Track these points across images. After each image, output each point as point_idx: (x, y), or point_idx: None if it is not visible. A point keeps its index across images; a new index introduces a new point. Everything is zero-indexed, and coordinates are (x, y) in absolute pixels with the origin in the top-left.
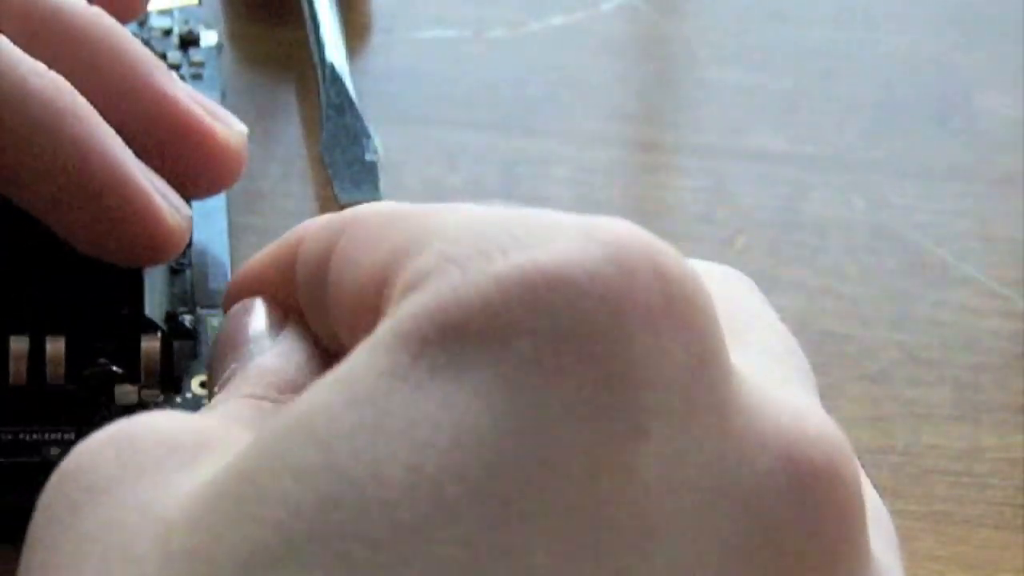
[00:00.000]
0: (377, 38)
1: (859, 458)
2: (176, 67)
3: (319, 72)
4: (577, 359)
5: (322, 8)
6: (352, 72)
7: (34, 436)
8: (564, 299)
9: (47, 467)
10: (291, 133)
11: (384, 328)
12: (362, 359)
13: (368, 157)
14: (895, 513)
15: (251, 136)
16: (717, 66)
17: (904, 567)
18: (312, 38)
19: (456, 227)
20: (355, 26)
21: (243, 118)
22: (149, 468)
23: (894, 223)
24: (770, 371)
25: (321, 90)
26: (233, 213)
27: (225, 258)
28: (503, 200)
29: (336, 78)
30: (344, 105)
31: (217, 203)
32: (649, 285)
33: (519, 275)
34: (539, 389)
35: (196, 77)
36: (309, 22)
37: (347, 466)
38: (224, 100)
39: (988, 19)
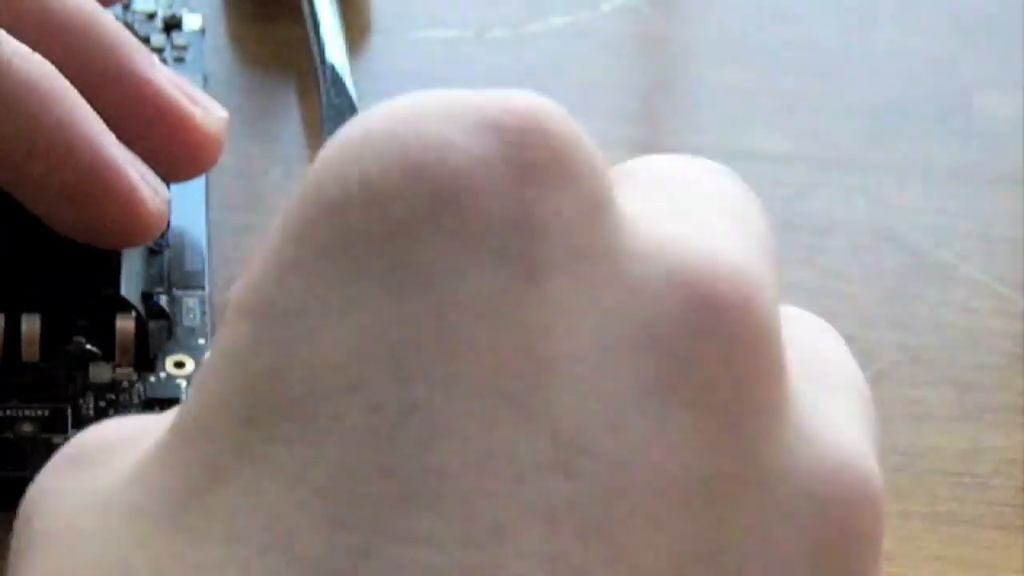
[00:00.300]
0: (377, 38)
1: None
2: (159, 50)
3: (319, 72)
4: (454, 216)
5: (322, 8)
6: (352, 72)
7: (8, 412)
8: (436, 165)
9: (20, 443)
10: (291, 133)
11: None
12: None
13: None
14: (896, 514)
15: (251, 136)
16: (717, 66)
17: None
18: (312, 38)
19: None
20: (355, 26)
21: (244, 118)
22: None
23: (895, 223)
24: None
25: (321, 90)
26: (233, 213)
27: (202, 240)
28: None
29: (336, 78)
30: (344, 105)
31: (196, 185)
32: (530, 144)
33: (396, 151)
34: (418, 250)
35: (179, 60)
36: (309, 22)
37: (258, 388)
38: (207, 84)
39: (988, 19)
